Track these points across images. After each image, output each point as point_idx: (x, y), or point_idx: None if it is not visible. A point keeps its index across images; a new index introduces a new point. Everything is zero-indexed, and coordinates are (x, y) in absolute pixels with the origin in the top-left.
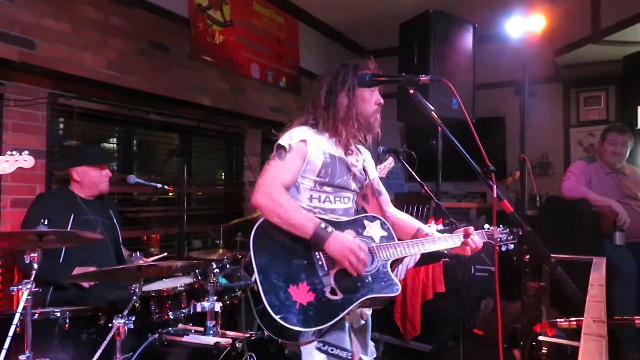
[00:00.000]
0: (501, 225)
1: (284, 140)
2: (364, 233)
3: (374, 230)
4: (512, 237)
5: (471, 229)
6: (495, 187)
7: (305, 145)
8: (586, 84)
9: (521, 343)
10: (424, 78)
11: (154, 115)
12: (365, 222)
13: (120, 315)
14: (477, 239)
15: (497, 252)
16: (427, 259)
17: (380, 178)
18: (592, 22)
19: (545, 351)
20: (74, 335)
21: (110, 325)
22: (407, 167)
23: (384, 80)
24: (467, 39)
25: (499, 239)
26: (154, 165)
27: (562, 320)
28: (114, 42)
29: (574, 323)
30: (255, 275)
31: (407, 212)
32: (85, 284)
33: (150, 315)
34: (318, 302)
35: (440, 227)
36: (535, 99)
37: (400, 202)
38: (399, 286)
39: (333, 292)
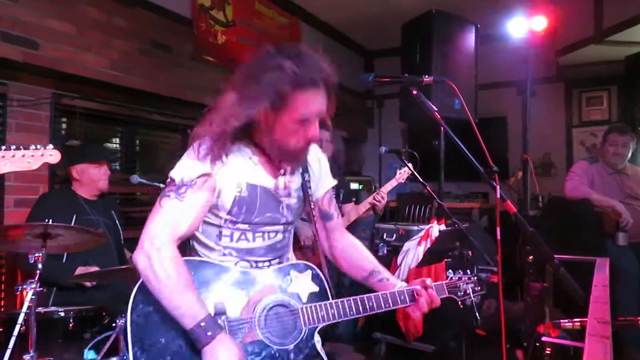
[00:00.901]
0: (467, 272)
1: (181, 169)
2: (288, 289)
3: (302, 284)
4: (479, 287)
5: (428, 281)
6: (498, 187)
7: (212, 177)
8: (588, 84)
9: (524, 344)
10: (427, 79)
11: (157, 115)
12: (292, 272)
13: (124, 315)
14: (428, 298)
15: (461, 302)
16: (429, 259)
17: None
18: (595, 22)
19: (548, 352)
20: (78, 335)
21: (114, 324)
22: (409, 168)
23: (386, 81)
24: (470, 39)
25: (463, 292)
26: (157, 165)
27: (566, 320)
28: (116, 42)
29: (578, 324)
30: (130, 354)
31: (409, 212)
32: (87, 283)
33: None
34: None
35: (443, 227)
36: (537, 99)
37: (402, 202)
38: None
39: None
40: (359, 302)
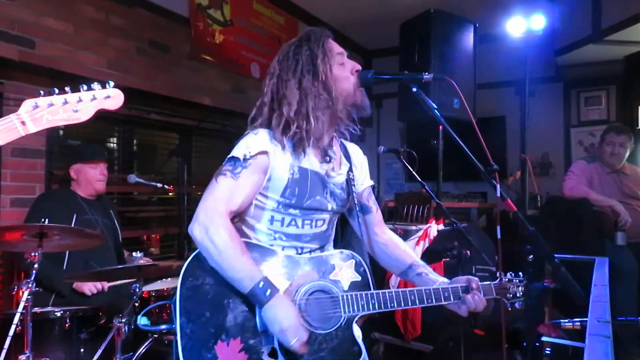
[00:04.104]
0: (519, 275)
1: (239, 149)
2: (331, 276)
3: (344, 273)
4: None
5: (475, 281)
6: (498, 186)
7: (267, 157)
8: (587, 84)
9: (524, 344)
10: (427, 76)
11: (154, 115)
12: (336, 260)
13: (120, 315)
14: (478, 298)
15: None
16: (428, 258)
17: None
18: (593, 22)
19: (548, 352)
20: (74, 335)
21: (110, 325)
22: (407, 167)
23: (386, 78)
24: (468, 39)
25: (513, 294)
26: (154, 165)
27: (566, 320)
28: (114, 41)
29: (578, 324)
30: (177, 323)
31: (407, 212)
32: (88, 292)
33: (151, 315)
34: None
35: (441, 227)
36: (535, 99)
37: (400, 202)
38: (363, 353)
39: (273, 354)
40: (401, 295)
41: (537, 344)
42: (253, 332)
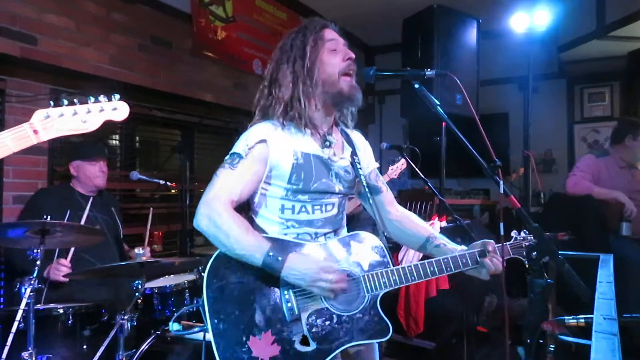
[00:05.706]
0: (516, 232)
1: (238, 145)
2: (350, 258)
3: (363, 253)
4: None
5: (491, 244)
6: (502, 182)
7: (266, 146)
8: (590, 80)
9: (528, 341)
10: (429, 73)
11: (156, 111)
12: (353, 242)
13: (123, 312)
14: (496, 260)
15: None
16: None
17: (393, 179)
18: (597, 17)
19: (552, 349)
20: (77, 332)
21: (113, 322)
22: (410, 164)
23: (388, 75)
24: (471, 35)
25: (527, 249)
26: (157, 162)
27: (570, 317)
28: (115, 37)
29: (583, 321)
30: (209, 324)
31: (410, 209)
32: (62, 279)
33: (153, 312)
34: (284, 356)
35: (444, 223)
36: (539, 95)
37: (403, 198)
38: (390, 328)
39: (304, 341)
40: (420, 268)
41: (541, 341)
42: (282, 323)
